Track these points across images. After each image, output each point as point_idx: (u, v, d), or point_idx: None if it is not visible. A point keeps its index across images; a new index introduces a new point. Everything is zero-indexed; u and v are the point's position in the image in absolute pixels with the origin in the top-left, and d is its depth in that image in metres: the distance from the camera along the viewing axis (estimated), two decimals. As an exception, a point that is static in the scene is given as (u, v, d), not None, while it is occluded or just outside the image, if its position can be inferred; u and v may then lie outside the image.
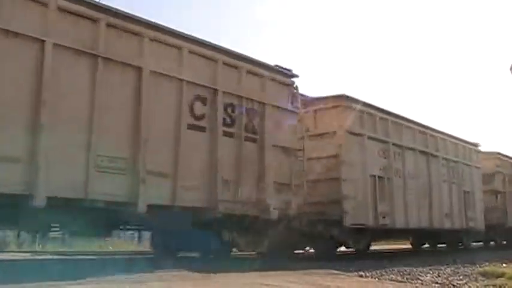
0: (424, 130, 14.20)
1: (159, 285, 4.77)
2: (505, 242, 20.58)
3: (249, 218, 8.76)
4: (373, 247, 14.04)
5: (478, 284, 6.21)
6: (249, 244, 9.21)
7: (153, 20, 7.56)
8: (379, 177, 12.05)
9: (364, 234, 11.68)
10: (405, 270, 7.24)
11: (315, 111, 11.81)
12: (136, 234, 15.47)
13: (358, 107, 11.76)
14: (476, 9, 70.66)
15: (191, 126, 7.94)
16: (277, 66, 9.90)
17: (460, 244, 16.47)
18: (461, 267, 8.04)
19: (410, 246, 16.96)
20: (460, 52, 74.01)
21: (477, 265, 8.27)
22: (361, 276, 6.55)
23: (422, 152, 14.01)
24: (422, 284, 6.09)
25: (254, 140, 8.96)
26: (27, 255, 8.36)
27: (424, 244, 16.89)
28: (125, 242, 15.72)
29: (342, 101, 11.43)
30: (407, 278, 6.53)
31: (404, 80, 74.59)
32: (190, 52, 8.00)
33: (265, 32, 77.12)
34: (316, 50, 75.50)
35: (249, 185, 8.83)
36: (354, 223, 11.00)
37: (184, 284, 4.96)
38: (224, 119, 8.45)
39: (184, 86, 7.84)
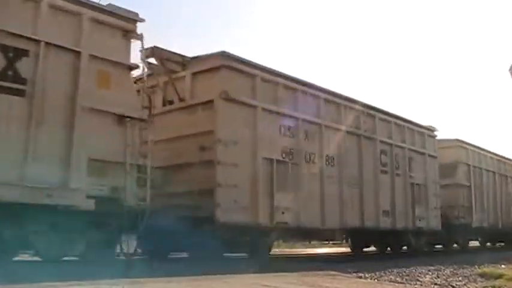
0: (355, 106, 11.41)
1: (157, 286, 4.77)
2: (476, 244, 17.92)
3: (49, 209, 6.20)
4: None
5: (477, 285, 6.21)
6: (52, 246, 6.57)
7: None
8: (278, 161, 9.33)
9: (254, 234, 8.94)
10: (404, 271, 7.18)
11: (193, 75, 9.13)
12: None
13: (247, 69, 9.04)
14: (476, 9, 68.36)
15: None
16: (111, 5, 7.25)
17: (404, 246, 13.68)
18: (461, 269, 7.88)
19: (349, 249, 14.19)
20: (459, 52, 71.92)
21: (476, 266, 8.10)
22: (360, 277, 6.47)
23: (352, 133, 11.25)
24: (421, 285, 6.08)
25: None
26: (26, 256, 7.70)
27: (368, 247, 14.12)
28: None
29: (221, 60, 8.70)
30: (406, 279, 6.49)
31: (404, 80, 72.39)
32: None
33: (265, 31, 75.25)
34: (316, 49, 73.45)
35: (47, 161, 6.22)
36: (230, 220, 8.28)
37: (182, 285, 4.95)
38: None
39: None
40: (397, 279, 6.47)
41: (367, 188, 11.43)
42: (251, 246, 9.05)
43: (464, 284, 6.23)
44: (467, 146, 16.29)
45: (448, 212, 15.38)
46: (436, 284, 6.19)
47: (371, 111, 11.91)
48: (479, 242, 20.53)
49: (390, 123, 12.53)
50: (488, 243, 20.86)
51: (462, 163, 15.92)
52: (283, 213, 9.26)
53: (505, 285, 6.01)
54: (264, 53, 74.82)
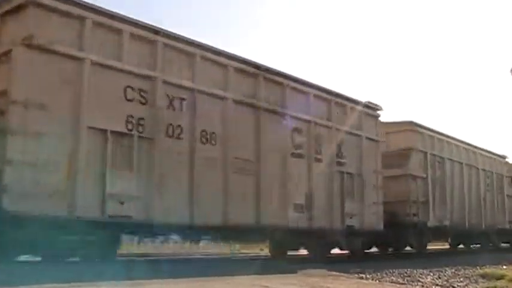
0: (249, 69, 8.99)
1: (158, 286, 4.75)
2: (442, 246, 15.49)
3: None
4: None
5: (478, 286, 6.24)
6: None
7: None
8: (119, 134, 6.98)
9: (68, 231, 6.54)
10: (406, 272, 7.17)
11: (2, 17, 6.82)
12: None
13: (72, 10, 6.69)
14: (476, 10, 67.35)
15: None
16: None
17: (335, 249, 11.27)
18: (462, 269, 7.88)
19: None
20: (460, 53, 71.92)
21: (477, 267, 8.06)
22: (361, 278, 6.48)
23: (245, 104, 8.86)
24: (422, 286, 6.09)
25: None
26: (27, 257, 7.12)
27: (295, 249, 11.68)
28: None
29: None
30: (407, 280, 6.48)
31: (404, 80, 71.04)
32: None
33: (265, 31, 73.94)
34: (315, 49, 72.27)
35: None
36: (27, 210, 5.94)
37: (182, 285, 4.93)
38: None
39: None
40: (399, 280, 6.46)
41: (269, 176, 8.99)
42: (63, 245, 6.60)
43: (466, 285, 6.23)
44: (424, 131, 13.73)
45: (397, 208, 12.92)
46: (437, 285, 6.20)
47: (278, 77, 9.48)
48: (450, 244, 18.13)
49: (308, 94, 10.08)
50: (461, 246, 18.45)
51: (417, 150, 13.38)
52: (122, 203, 6.90)
53: (507, 286, 6.04)
54: (264, 53, 74.06)
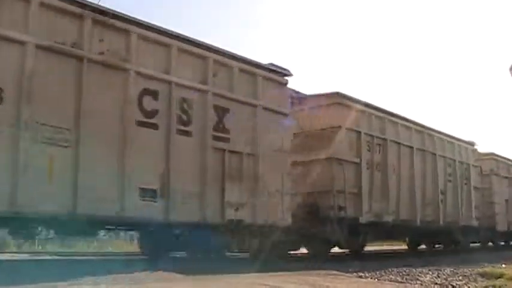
0: (68, 7, 6.64)
1: (157, 286, 4.80)
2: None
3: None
4: None
5: (477, 285, 6.26)
6: None
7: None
8: None
9: None
10: (404, 271, 7.15)
11: None
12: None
13: None
14: (476, 9, 65.92)
15: None
16: None
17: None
18: (461, 268, 7.78)
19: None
20: (459, 52, 71.64)
21: (476, 266, 8.04)
22: (360, 276, 6.47)
23: (55, 52, 6.45)
24: (421, 284, 6.10)
25: None
26: (27, 256, 7.75)
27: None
28: (124, 243, 15.22)
29: None
30: (406, 279, 6.48)
31: (403, 80, 69.63)
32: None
33: (265, 31, 72.44)
34: (315, 48, 70.71)
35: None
36: None
37: (183, 285, 4.98)
38: None
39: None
40: (398, 278, 6.50)
41: (96, 148, 6.63)
42: None
43: (465, 284, 6.29)
44: (357, 105, 11.20)
45: (319, 200, 10.51)
46: (436, 283, 6.23)
47: (118, 22, 7.11)
48: (408, 245, 15.67)
49: (170, 47, 7.67)
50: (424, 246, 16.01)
51: (346, 129, 10.93)
52: None
53: (506, 285, 6.10)
54: (263, 53, 72.34)
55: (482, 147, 17.32)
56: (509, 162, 18.68)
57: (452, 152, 14.72)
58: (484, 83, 73.92)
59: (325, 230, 10.33)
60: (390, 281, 6.28)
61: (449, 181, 14.42)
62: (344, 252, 11.73)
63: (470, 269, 7.60)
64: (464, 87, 72.13)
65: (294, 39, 75.04)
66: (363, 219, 10.91)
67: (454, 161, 14.74)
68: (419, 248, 15.97)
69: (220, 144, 8.23)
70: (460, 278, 6.77)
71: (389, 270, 7.12)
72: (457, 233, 14.63)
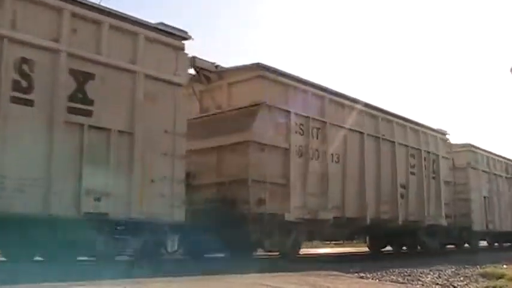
0: None
1: (157, 286, 4.73)
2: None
3: None
4: None
5: (478, 285, 6.22)
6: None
7: None
8: None
9: None
10: (406, 272, 7.10)
11: None
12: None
13: None
14: (477, 9, 66.20)
15: None
16: None
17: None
18: (462, 269, 7.79)
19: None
20: (460, 52, 69.11)
21: (478, 266, 7.98)
22: (361, 277, 6.42)
23: None
24: (423, 285, 6.09)
25: None
26: None
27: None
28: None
29: None
30: (408, 279, 6.47)
31: (403, 79, 69.28)
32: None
33: (265, 31, 71.16)
34: (315, 48, 69.35)
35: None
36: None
37: (183, 285, 4.97)
38: None
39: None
40: (399, 279, 6.50)
41: None
42: None
43: (466, 284, 6.27)
44: (284, 79, 9.35)
45: (234, 192, 8.78)
46: (437, 284, 6.22)
47: None
48: (369, 246, 13.92)
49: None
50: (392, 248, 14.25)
51: (269, 107, 9.13)
52: None
53: (506, 285, 6.07)
54: (264, 53, 71.86)
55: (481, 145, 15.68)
56: (490, 156, 16.74)
57: (416, 141, 12.90)
58: (483, 83, 72.16)
59: (239, 228, 8.60)
60: (392, 281, 6.29)
61: (413, 173, 12.61)
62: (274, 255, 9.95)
63: (471, 270, 7.59)
64: (464, 87, 70.44)
65: (294, 39, 73.67)
66: (290, 216, 9.15)
67: (420, 150, 12.93)
68: (383, 250, 14.19)
69: (78, 118, 6.57)
70: (461, 278, 6.76)
71: (391, 270, 7.12)
72: (422, 234, 12.83)
